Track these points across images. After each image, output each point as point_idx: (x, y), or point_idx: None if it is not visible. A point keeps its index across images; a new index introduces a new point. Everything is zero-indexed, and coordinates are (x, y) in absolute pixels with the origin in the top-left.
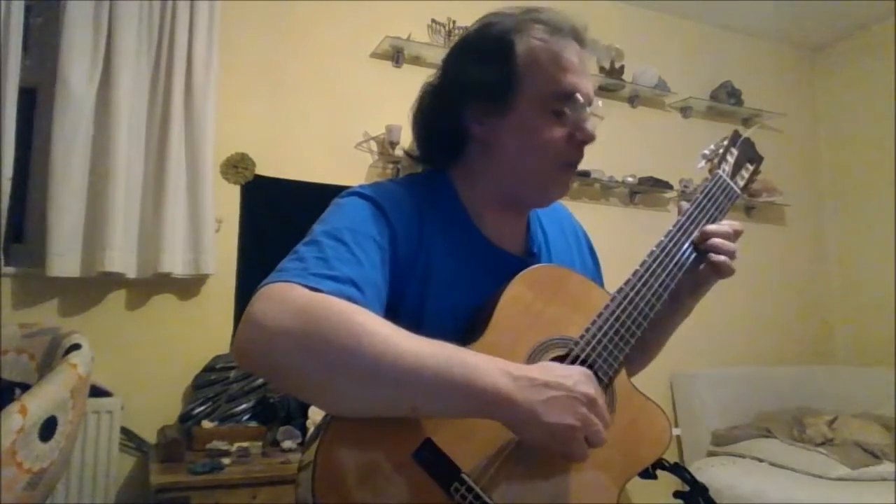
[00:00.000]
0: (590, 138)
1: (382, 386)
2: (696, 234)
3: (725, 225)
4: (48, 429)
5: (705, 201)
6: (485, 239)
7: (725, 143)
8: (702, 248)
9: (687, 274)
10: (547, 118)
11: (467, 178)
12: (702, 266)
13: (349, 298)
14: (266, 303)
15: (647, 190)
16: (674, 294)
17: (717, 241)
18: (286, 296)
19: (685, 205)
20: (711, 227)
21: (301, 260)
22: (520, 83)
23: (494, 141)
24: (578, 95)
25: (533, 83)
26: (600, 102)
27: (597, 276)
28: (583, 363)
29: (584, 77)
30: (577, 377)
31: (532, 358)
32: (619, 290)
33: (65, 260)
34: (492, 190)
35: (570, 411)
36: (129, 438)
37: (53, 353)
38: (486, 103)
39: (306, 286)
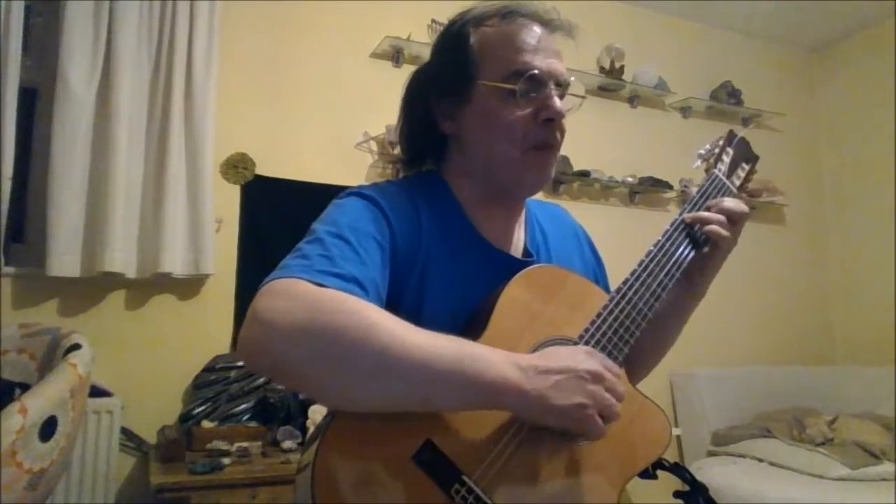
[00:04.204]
0: (555, 114)
1: (393, 379)
2: (686, 215)
3: (729, 201)
4: (48, 429)
5: (702, 201)
6: (483, 239)
7: (721, 142)
8: (691, 224)
9: (699, 254)
10: (505, 100)
11: (454, 178)
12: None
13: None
14: (272, 299)
15: (647, 190)
16: (688, 276)
17: (702, 213)
18: (294, 291)
19: (693, 190)
20: (709, 202)
21: (305, 257)
22: (475, 71)
23: (464, 133)
24: (536, 72)
25: (488, 68)
26: (576, 81)
27: (600, 276)
28: None
29: (546, 56)
30: (580, 356)
31: None
32: (618, 291)
33: (65, 260)
34: (475, 185)
35: (579, 391)
36: (129, 438)
37: (53, 353)
38: (449, 97)
39: (312, 282)
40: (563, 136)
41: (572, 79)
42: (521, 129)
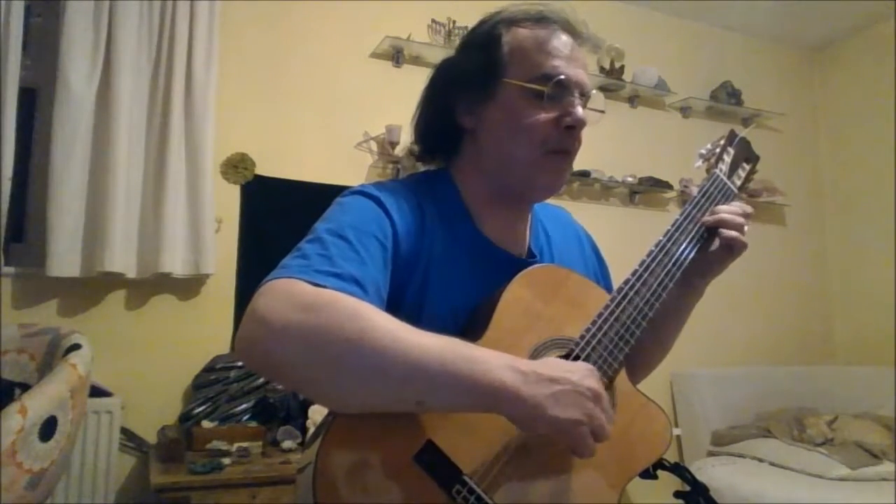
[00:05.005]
0: (578, 122)
1: (388, 381)
2: (708, 216)
3: (735, 205)
4: (48, 429)
5: (703, 200)
6: (486, 239)
7: (722, 142)
8: (712, 226)
9: (699, 255)
10: (530, 101)
11: (465, 174)
12: (714, 247)
13: (352, 296)
14: (270, 298)
15: (647, 190)
16: (686, 276)
17: (725, 216)
18: (291, 291)
19: (693, 190)
20: (721, 206)
21: (305, 257)
22: (504, 70)
23: (482, 130)
24: (563, 78)
25: (516, 69)
26: (598, 94)
27: (601, 278)
28: None
29: (573, 64)
30: (582, 372)
31: (532, 358)
32: (619, 290)
33: (65, 260)
34: (485, 183)
35: (576, 406)
36: (129, 438)
37: (53, 353)
38: (473, 92)
39: (310, 282)
40: (579, 145)
41: (594, 91)
42: (541, 131)
